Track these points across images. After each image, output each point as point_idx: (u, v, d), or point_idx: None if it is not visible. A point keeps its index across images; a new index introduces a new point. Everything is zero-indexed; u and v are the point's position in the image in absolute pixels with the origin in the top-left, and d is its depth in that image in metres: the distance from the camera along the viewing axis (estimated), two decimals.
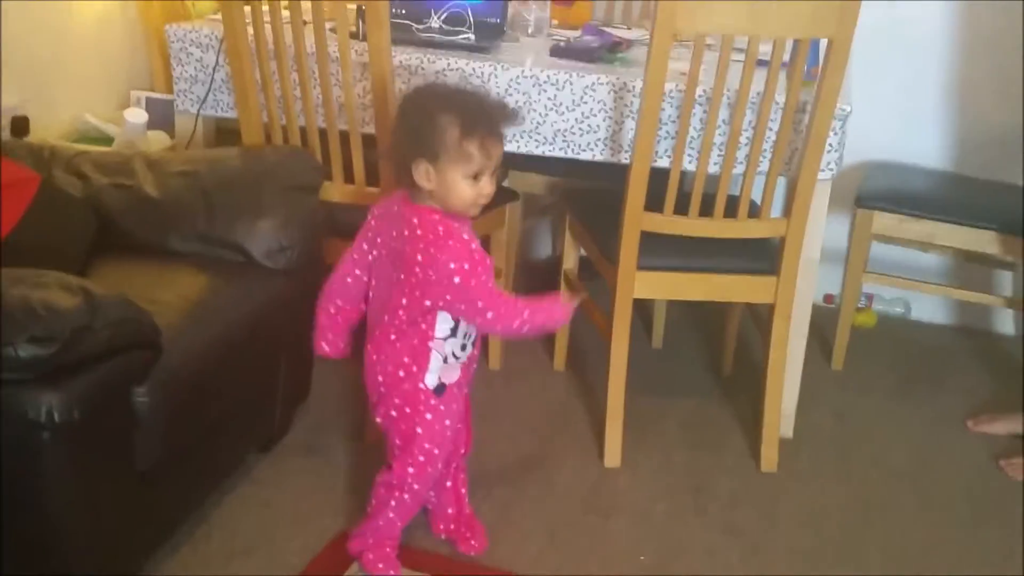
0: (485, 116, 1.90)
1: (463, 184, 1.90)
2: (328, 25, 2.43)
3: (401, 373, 2.01)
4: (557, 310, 2.02)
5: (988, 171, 3.42)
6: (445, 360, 2.01)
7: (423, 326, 1.98)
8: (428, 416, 2.03)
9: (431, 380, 2.01)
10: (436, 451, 2.07)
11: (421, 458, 2.06)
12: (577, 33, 3.03)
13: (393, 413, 2.05)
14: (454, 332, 1.99)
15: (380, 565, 2.13)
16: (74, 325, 1.66)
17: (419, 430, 2.04)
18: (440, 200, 1.93)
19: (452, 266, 1.89)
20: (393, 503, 2.10)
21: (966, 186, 3.36)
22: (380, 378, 2.04)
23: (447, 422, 2.06)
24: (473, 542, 2.26)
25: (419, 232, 1.92)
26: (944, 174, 3.44)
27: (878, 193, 3.14)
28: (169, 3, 3.40)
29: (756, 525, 2.44)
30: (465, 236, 1.93)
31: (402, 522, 2.14)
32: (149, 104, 3.18)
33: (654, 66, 2.28)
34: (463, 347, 2.03)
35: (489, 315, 1.93)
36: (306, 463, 2.52)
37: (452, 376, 2.03)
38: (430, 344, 1.99)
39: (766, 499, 2.54)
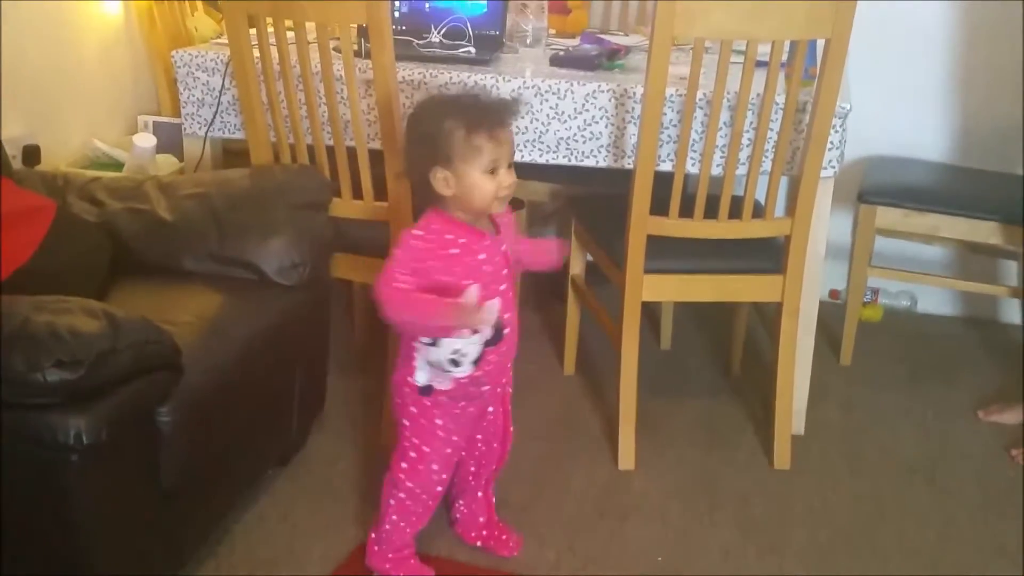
0: (486, 110, 1.95)
1: (482, 180, 1.93)
2: (331, 44, 2.46)
3: (398, 364, 2.09)
4: (451, 310, 1.90)
5: (989, 162, 3.45)
6: (432, 366, 2.04)
7: None
8: (412, 410, 2.09)
9: (420, 378, 2.05)
10: (426, 449, 2.09)
11: (412, 454, 2.10)
12: (575, 41, 3.07)
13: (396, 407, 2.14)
14: (435, 342, 2.00)
15: (401, 571, 2.18)
16: (99, 348, 1.69)
17: (405, 422, 2.10)
18: (465, 203, 1.95)
19: None
20: (393, 503, 2.14)
21: (968, 178, 3.39)
22: None
23: (438, 422, 2.09)
24: (510, 543, 2.30)
25: None
26: (945, 166, 3.47)
27: (881, 188, 3.17)
28: (172, 28, 3.46)
29: (771, 523, 2.46)
30: (417, 231, 1.97)
31: (410, 527, 2.17)
32: (156, 128, 3.22)
33: (654, 71, 2.31)
34: (454, 362, 2.01)
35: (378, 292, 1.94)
36: (324, 475, 2.55)
37: (443, 384, 2.04)
38: (414, 344, 2.04)
39: (780, 496, 2.56)
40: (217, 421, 2.08)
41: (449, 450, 2.13)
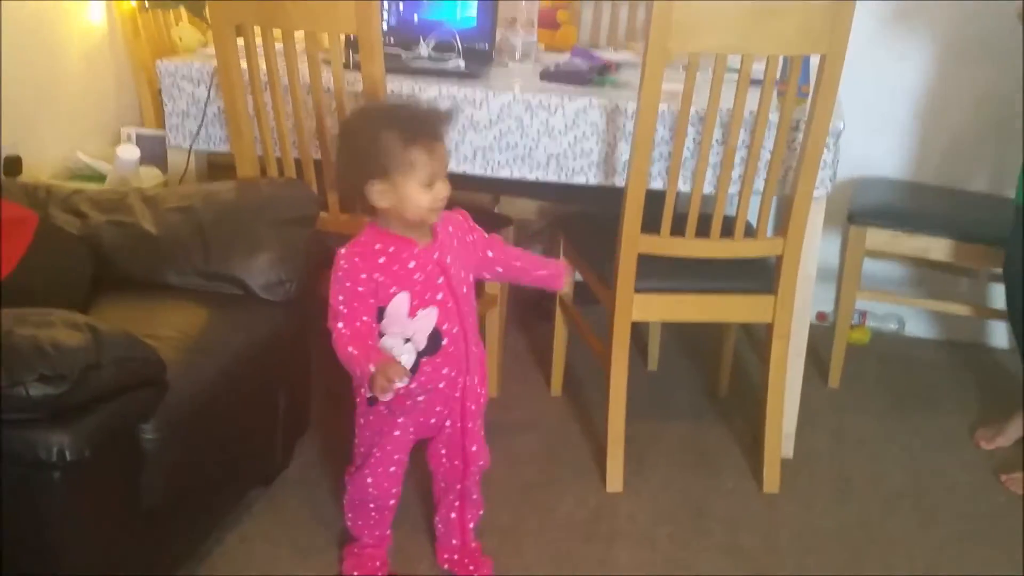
0: (422, 123, 1.94)
1: (418, 192, 1.93)
2: (320, 56, 2.43)
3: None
4: (363, 374, 1.91)
5: (978, 185, 3.45)
6: None
7: None
8: (361, 420, 2.14)
9: (366, 391, 2.06)
10: (365, 460, 2.14)
11: (362, 459, 2.16)
12: (565, 57, 3.05)
13: None
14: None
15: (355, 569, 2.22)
16: (83, 363, 1.65)
17: (356, 431, 2.15)
18: (399, 215, 1.95)
19: None
20: (346, 498, 2.22)
21: (957, 199, 3.39)
22: None
23: (378, 438, 2.12)
24: (476, 574, 2.25)
25: None
26: (933, 188, 3.47)
27: (870, 210, 3.16)
28: (156, 38, 3.42)
29: (760, 548, 2.43)
30: (343, 250, 1.98)
31: (356, 530, 2.23)
32: (139, 140, 3.18)
33: (648, 87, 2.29)
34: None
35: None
36: (308, 496, 2.50)
37: (384, 396, 1.99)
38: None
39: (768, 521, 2.53)
40: (201, 439, 2.03)
41: (390, 464, 2.15)
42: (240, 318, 2.24)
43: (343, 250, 1.99)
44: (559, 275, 2.22)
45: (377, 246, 1.98)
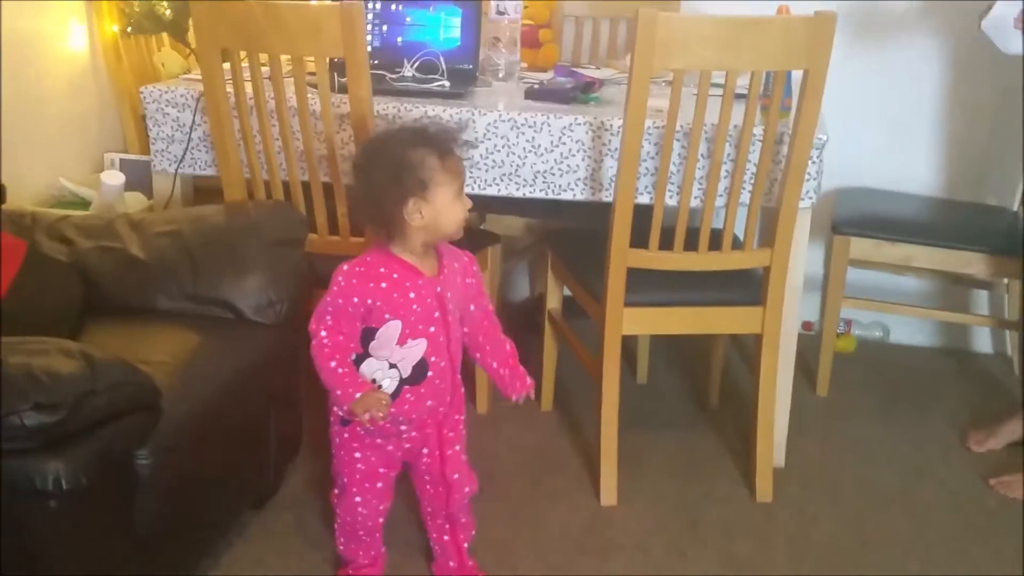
0: (450, 136, 1.98)
1: (454, 204, 1.95)
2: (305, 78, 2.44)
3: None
4: (345, 396, 1.96)
5: (961, 192, 3.48)
6: None
7: None
8: (336, 440, 2.13)
9: (339, 410, 2.08)
10: (346, 480, 2.14)
11: (342, 480, 2.16)
12: (548, 75, 3.06)
13: None
14: (357, 363, 2.02)
15: None
16: (78, 390, 1.64)
17: (332, 451, 2.15)
18: (433, 232, 1.96)
19: None
20: (337, 522, 2.22)
21: (940, 208, 3.43)
22: None
23: (356, 455, 2.12)
24: None
25: None
26: (917, 197, 3.50)
27: (853, 219, 3.19)
28: (138, 64, 3.41)
29: (755, 558, 2.44)
30: (349, 265, 1.99)
31: (349, 553, 2.23)
32: (124, 165, 3.17)
33: (634, 103, 2.30)
34: None
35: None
36: (299, 519, 2.49)
37: (363, 423, 2.00)
38: None
39: (762, 530, 2.54)
40: (194, 464, 2.03)
41: (371, 484, 2.15)
42: (231, 341, 2.24)
43: (346, 265, 1.99)
44: (516, 388, 2.11)
45: (382, 269, 1.97)
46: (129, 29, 3.37)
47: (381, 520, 2.21)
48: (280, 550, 2.38)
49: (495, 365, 2.13)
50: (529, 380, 2.14)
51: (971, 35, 2.76)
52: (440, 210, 1.94)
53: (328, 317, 1.97)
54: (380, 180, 1.94)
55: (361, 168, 1.99)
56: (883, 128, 3.49)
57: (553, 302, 2.97)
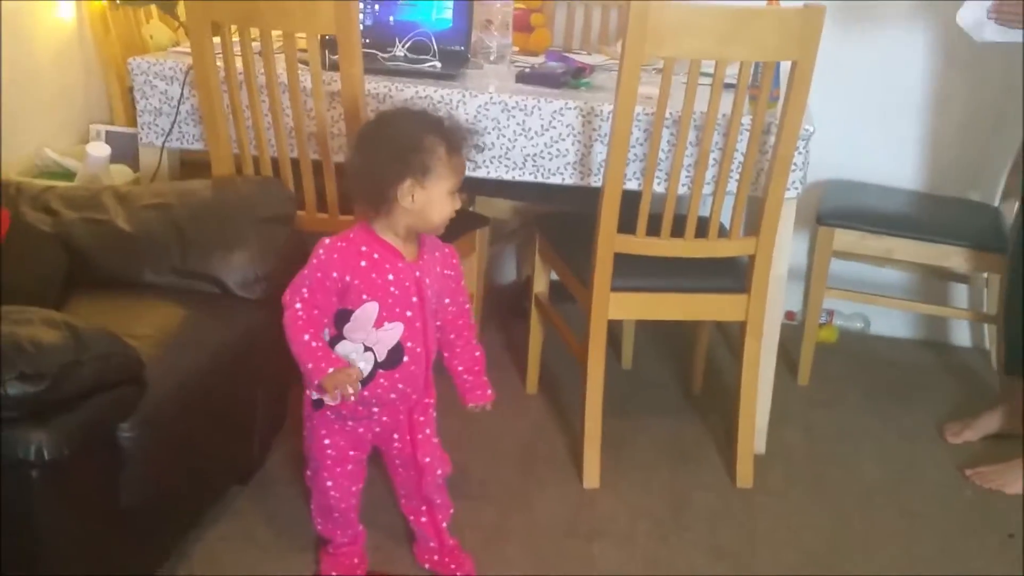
0: (463, 136, 1.99)
1: (446, 200, 1.96)
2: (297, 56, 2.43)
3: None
4: (317, 371, 1.95)
5: (945, 187, 3.50)
6: None
7: None
8: (307, 423, 2.14)
9: (313, 392, 2.07)
10: (317, 463, 2.15)
11: (314, 462, 2.15)
12: (539, 59, 3.06)
13: None
14: (331, 344, 2.03)
15: (332, 570, 2.23)
16: (62, 361, 1.64)
17: (304, 433, 2.15)
18: (419, 219, 1.96)
19: None
20: (311, 503, 2.23)
21: (923, 202, 3.44)
22: None
23: (326, 441, 2.12)
24: (458, 572, 2.26)
25: None
26: (900, 191, 3.52)
27: (838, 211, 3.20)
28: (126, 36, 3.39)
29: (738, 543, 2.46)
30: (331, 240, 1.99)
31: (326, 532, 2.23)
32: (109, 137, 3.15)
33: (624, 90, 2.31)
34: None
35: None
36: (285, 493, 2.49)
37: (332, 400, 2.00)
38: None
39: (745, 516, 2.56)
40: (179, 438, 2.02)
41: (342, 467, 2.15)
42: (217, 316, 2.24)
43: (328, 239, 1.99)
44: (476, 398, 2.16)
45: (363, 248, 1.98)
46: (117, 0, 3.34)
47: (355, 501, 2.21)
48: (267, 524, 2.38)
49: (460, 369, 2.16)
50: (490, 392, 2.18)
51: (958, 31, 2.77)
52: (432, 200, 1.94)
53: (304, 290, 1.97)
54: (385, 153, 1.94)
55: (367, 138, 1.99)
56: (869, 122, 3.50)
57: (540, 286, 2.98)
